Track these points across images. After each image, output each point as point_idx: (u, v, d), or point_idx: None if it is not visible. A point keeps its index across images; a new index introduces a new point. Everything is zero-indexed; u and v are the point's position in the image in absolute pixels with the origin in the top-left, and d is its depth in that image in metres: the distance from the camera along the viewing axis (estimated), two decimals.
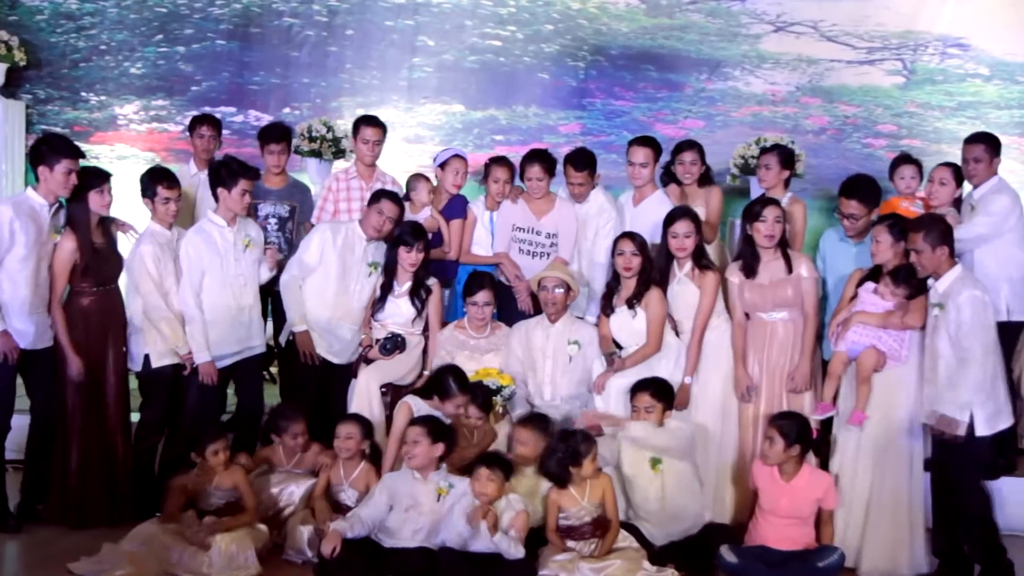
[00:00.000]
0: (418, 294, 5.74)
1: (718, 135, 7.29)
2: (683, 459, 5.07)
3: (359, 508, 4.87)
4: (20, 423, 5.79)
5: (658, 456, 4.99)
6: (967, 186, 5.81)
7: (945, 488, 4.91)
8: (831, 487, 4.87)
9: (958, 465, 4.82)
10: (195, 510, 4.94)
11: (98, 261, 5.27)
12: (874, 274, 5.09)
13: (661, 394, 5.09)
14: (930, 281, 4.85)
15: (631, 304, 5.47)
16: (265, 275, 5.69)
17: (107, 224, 5.40)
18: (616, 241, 5.56)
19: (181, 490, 5.01)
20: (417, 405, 5.31)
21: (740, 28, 8.47)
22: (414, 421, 5.00)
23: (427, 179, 6.29)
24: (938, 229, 4.77)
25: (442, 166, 6.27)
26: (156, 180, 5.39)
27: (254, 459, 5.32)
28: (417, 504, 4.78)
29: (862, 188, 5.43)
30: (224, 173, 5.46)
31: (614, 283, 5.57)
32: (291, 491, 5.22)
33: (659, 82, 8.55)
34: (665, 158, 6.22)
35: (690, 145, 6.11)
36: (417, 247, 5.66)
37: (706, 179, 6.15)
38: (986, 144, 5.63)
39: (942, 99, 8.33)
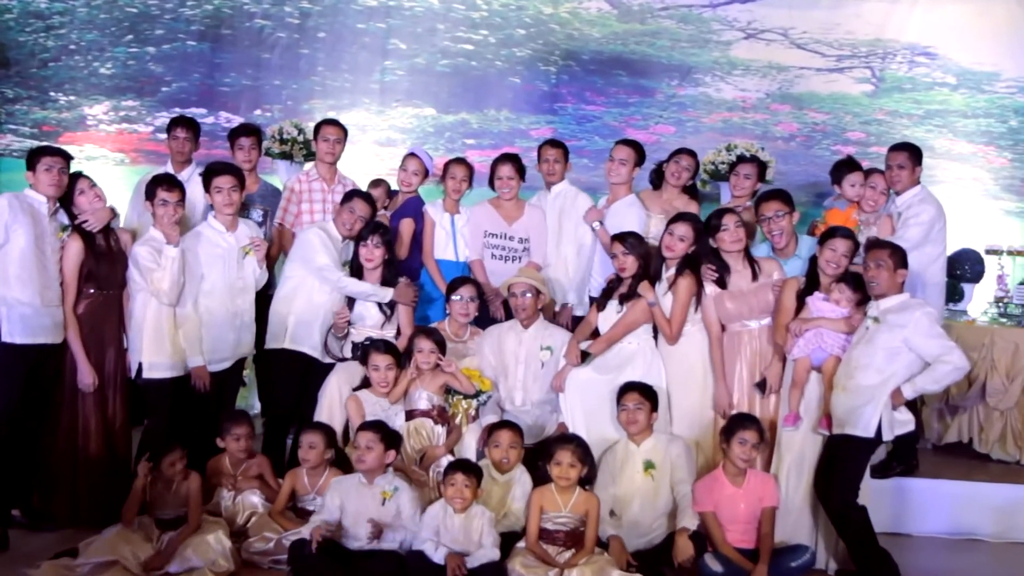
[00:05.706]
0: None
1: (689, 141, 7.36)
2: (675, 469, 5.12)
3: (317, 515, 4.87)
4: None
5: (652, 462, 5.08)
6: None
7: (839, 491, 4.96)
8: (775, 486, 5.01)
9: (859, 468, 4.96)
10: (153, 517, 4.90)
11: (102, 265, 5.27)
12: (810, 285, 5.19)
13: (647, 395, 5.15)
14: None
15: (622, 301, 5.48)
16: (260, 276, 5.67)
17: (112, 229, 5.38)
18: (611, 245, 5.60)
19: (139, 494, 4.95)
20: (364, 398, 5.35)
21: (711, 35, 8.61)
22: (365, 426, 4.98)
23: (385, 183, 6.39)
24: (901, 254, 4.92)
25: (402, 166, 6.33)
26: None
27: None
28: (364, 508, 4.81)
29: (781, 193, 5.63)
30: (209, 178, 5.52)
31: (616, 282, 5.60)
32: (252, 501, 5.18)
33: (630, 87, 8.67)
34: (653, 162, 6.35)
35: (689, 152, 6.28)
36: (372, 241, 5.65)
37: (691, 189, 6.29)
38: (909, 152, 5.77)
39: (910, 107, 8.57)
